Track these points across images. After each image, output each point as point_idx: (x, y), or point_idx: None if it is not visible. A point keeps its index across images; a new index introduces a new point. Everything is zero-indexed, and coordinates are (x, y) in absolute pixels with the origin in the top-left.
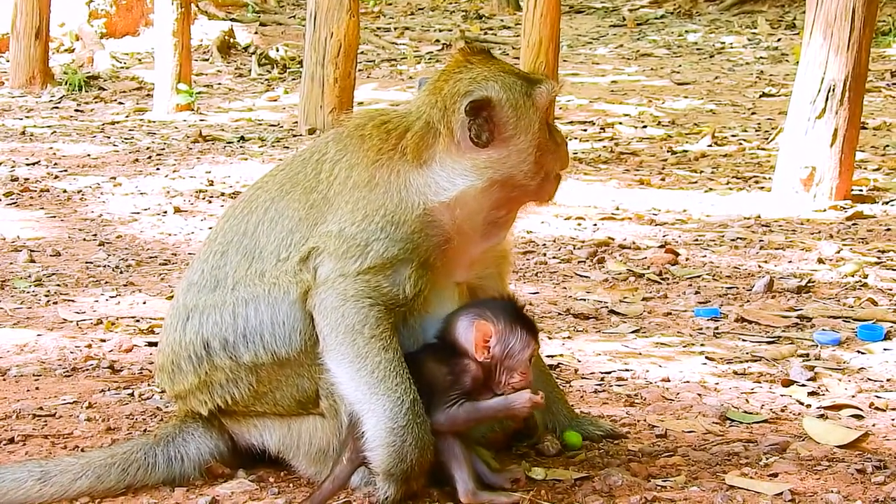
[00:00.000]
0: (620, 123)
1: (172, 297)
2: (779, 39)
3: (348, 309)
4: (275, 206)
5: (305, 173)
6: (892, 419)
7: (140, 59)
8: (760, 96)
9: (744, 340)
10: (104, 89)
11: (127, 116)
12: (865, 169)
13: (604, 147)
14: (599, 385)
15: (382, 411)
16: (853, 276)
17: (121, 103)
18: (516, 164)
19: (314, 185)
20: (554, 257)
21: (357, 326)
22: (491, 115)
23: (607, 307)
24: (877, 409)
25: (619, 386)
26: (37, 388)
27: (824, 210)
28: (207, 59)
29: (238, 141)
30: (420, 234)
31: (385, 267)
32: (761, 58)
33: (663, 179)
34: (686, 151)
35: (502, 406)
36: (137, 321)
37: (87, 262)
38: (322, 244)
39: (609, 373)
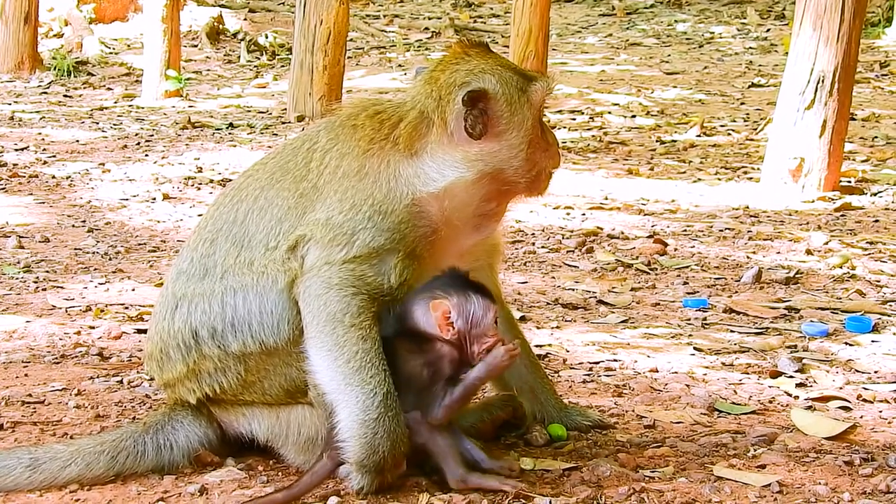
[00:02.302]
0: (609, 113)
1: (161, 284)
2: (768, 30)
3: (331, 297)
4: (264, 194)
5: (296, 162)
6: (880, 411)
7: (129, 45)
8: (749, 87)
9: (732, 331)
10: (93, 75)
11: (116, 102)
12: (854, 160)
13: (592, 136)
14: (588, 375)
15: (355, 403)
16: (841, 267)
17: (109, 89)
18: (507, 158)
19: (304, 174)
20: (543, 247)
21: (338, 315)
22: (486, 108)
23: (596, 297)
24: (864, 400)
25: (608, 376)
26: (26, 375)
27: (813, 201)
28: (196, 46)
29: (227, 128)
30: (407, 224)
31: (371, 256)
32: (750, 48)
33: (652, 169)
34: (675, 141)
35: (485, 371)
36: (126, 308)
37: (75, 249)
38: (310, 232)
39: (597, 363)
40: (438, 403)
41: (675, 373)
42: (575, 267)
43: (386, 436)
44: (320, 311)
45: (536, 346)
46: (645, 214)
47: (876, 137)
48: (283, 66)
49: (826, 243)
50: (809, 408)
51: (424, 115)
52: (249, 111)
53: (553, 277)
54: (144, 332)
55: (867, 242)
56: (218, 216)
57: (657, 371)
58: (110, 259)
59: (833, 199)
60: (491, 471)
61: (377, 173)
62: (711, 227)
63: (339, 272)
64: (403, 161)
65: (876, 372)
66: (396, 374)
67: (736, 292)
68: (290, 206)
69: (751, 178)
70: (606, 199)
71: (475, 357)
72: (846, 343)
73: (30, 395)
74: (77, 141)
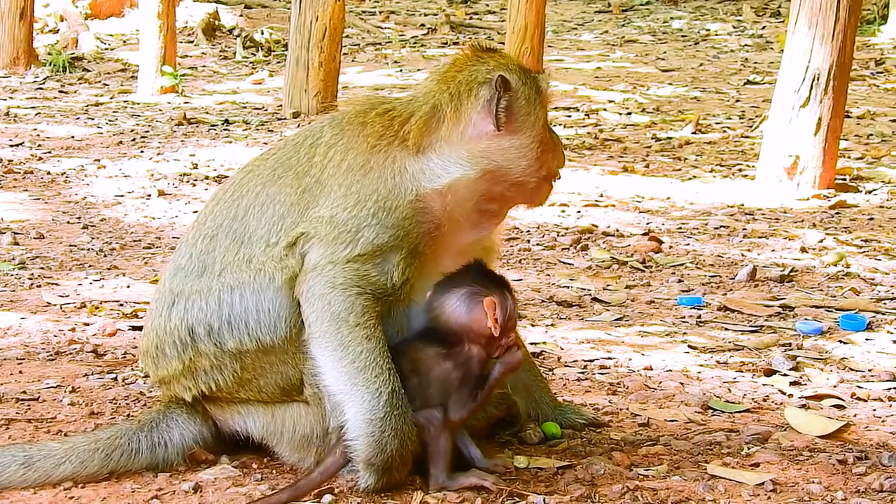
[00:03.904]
0: (605, 110)
1: (156, 280)
2: (763, 27)
3: (335, 297)
4: (266, 190)
5: (298, 158)
6: (874, 409)
7: (124, 41)
8: (745, 84)
9: (726, 329)
10: (88, 70)
11: (111, 98)
12: (849, 158)
13: (588, 133)
14: (582, 373)
15: (361, 402)
16: (836, 265)
17: (105, 85)
18: (515, 157)
19: (307, 170)
20: (538, 244)
21: (343, 314)
22: (508, 102)
23: (591, 295)
24: (858, 399)
25: (602, 374)
26: (20, 372)
27: (808, 199)
28: (192, 42)
29: (222, 124)
30: (411, 220)
31: (375, 254)
32: (746, 45)
33: (647, 166)
34: (670, 139)
35: (504, 372)
36: (121, 305)
37: (70, 246)
38: (313, 230)
39: (592, 361)
40: (465, 404)
41: (670, 371)
42: (570, 264)
43: (393, 434)
44: (324, 310)
45: (531, 343)
46: (640, 212)
47: (871, 135)
48: (278, 62)
49: (821, 241)
50: (803, 406)
51: (437, 109)
52: (245, 107)
53: (548, 275)
54: (139, 329)
55: (862, 240)
56: (218, 212)
57: (651, 369)
58: (105, 256)
59: (828, 197)
60: (486, 469)
61: (382, 168)
62: (706, 224)
63: (343, 271)
64: (410, 157)
65: (870, 370)
66: (420, 379)
67: (730, 290)
68: (293, 201)
69: (746, 176)
70: (601, 196)
71: (496, 351)
72: (840, 341)
73: (24, 392)
74: (72, 137)
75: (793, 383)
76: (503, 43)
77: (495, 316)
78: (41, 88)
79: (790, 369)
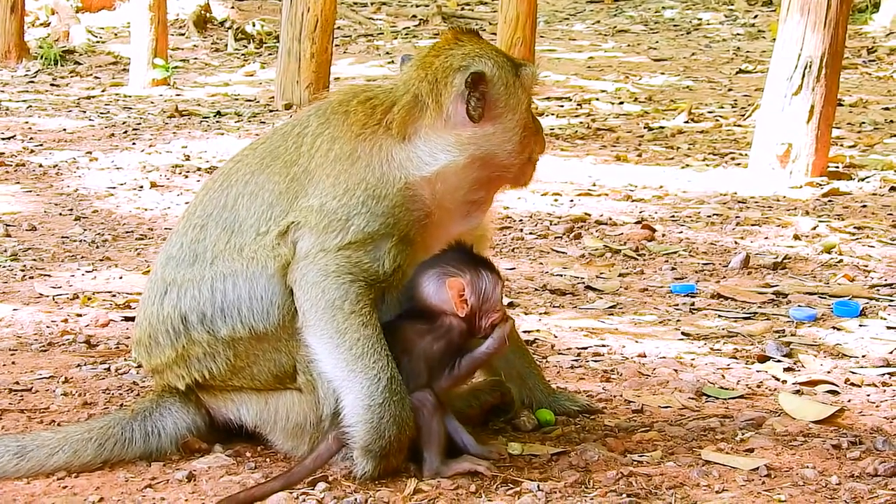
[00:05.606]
0: (597, 99)
1: (149, 271)
2: (756, 16)
3: (329, 284)
4: (255, 179)
5: (286, 147)
6: (868, 395)
7: (116, 34)
8: (737, 73)
9: (720, 316)
10: (80, 64)
11: (103, 91)
12: (841, 146)
13: (580, 123)
14: (576, 361)
15: (360, 388)
16: (829, 252)
17: (97, 78)
18: (500, 142)
19: (295, 159)
20: (531, 233)
21: (337, 302)
22: (484, 91)
23: (584, 283)
24: (852, 384)
25: (596, 361)
26: (13, 363)
27: (800, 187)
28: (183, 34)
29: (214, 116)
30: (401, 208)
31: (366, 242)
32: (738, 34)
33: (640, 155)
34: (663, 128)
35: (493, 347)
36: (114, 296)
37: (63, 237)
38: (303, 219)
39: (585, 348)
40: (446, 374)
41: (663, 358)
42: (563, 253)
43: (392, 420)
44: (318, 298)
45: (525, 331)
46: (633, 200)
47: (863, 123)
48: (270, 54)
49: (814, 228)
50: (797, 392)
51: (418, 98)
52: (237, 99)
53: (541, 263)
54: (131, 319)
55: (855, 227)
56: (208, 201)
57: (645, 356)
58: (97, 247)
59: (821, 185)
60: (480, 455)
61: (370, 157)
62: (699, 212)
63: (336, 259)
64: (396, 145)
65: (863, 356)
66: (410, 357)
67: (724, 278)
68: (282, 190)
69: (738, 164)
70: (594, 185)
71: (480, 331)
72: (834, 327)
73: (17, 383)
74: (64, 130)
75: (787, 369)
76: (495, 34)
77: (461, 296)
78: (33, 82)
79: (784, 355)
